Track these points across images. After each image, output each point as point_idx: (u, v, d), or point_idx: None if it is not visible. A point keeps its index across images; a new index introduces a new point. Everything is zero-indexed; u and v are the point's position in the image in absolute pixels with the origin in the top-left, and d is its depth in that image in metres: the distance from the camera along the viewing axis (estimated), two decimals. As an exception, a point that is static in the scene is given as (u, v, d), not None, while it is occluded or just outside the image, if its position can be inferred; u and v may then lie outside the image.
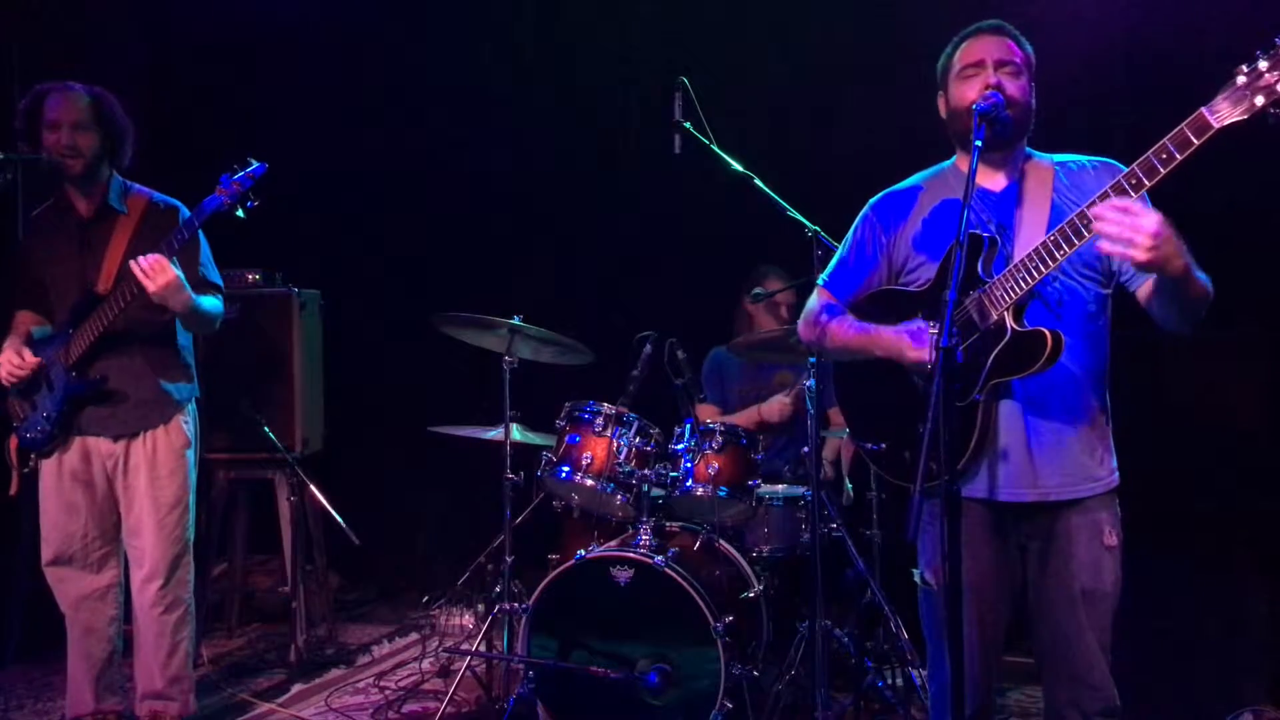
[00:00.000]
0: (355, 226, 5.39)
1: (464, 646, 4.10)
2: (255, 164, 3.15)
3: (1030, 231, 2.29)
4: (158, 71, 5.32)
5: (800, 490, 3.86)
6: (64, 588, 3.39)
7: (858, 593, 3.85)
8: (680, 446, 3.65)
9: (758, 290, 4.41)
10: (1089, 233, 2.07)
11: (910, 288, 2.45)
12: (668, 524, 3.74)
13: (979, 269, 2.27)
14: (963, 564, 2.19)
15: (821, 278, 2.63)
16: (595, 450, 3.60)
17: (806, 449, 3.45)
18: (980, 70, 2.33)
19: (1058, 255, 2.14)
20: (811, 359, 3.31)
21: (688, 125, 2.97)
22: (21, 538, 4.34)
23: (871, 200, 2.55)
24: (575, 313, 4.43)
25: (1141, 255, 1.99)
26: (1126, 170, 2.05)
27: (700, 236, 4.93)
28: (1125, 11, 4.09)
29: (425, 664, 4.24)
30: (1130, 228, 1.99)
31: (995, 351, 2.24)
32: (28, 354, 3.32)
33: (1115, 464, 2.39)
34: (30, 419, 3.35)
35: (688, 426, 3.67)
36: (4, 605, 4.44)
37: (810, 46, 4.73)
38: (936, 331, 2.12)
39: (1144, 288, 2.28)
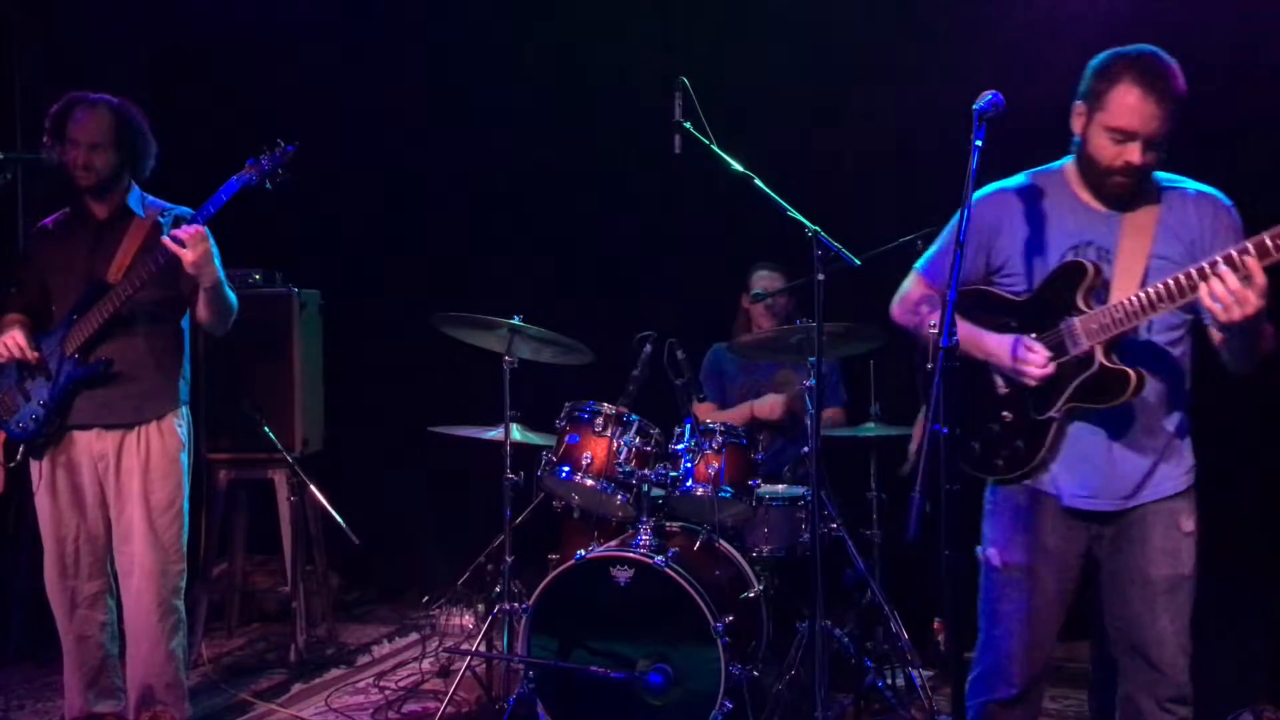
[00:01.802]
0: (355, 226, 5.39)
1: (464, 646, 4.10)
2: (286, 145, 3.21)
3: (1129, 260, 2.33)
4: (158, 71, 5.31)
5: (800, 490, 3.86)
6: (58, 594, 3.38)
7: (858, 593, 3.85)
8: (680, 446, 3.64)
9: (757, 290, 4.42)
10: (1196, 292, 2.14)
11: (1007, 292, 2.50)
12: (668, 524, 3.74)
13: (1078, 297, 2.32)
14: (1025, 548, 2.40)
15: (919, 264, 2.67)
16: (595, 450, 3.60)
17: (806, 449, 3.45)
18: (1128, 140, 2.28)
19: (1161, 307, 2.21)
20: (811, 359, 3.30)
21: (688, 125, 2.97)
22: (21, 538, 4.34)
23: (978, 193, 2.52)
24: (575, 313, 4.42)
25: (1235, 317, 2.09)
26: (1250, 242, 2.10)
27: (700, 236, 4.93)
28: (1126, 11, 4.09)
29: (425, 664, 4.24)
30: (1238, 302, 2.08)
31: (1079, 380, 2.33)
32: (32, 343, 3.30)
33: (1193, 463, 2.45)
34: (22, 410, 3.32)
35: (688, 426, 3.67)
36: (4, 605, 4.44)
37: (810, 46, 4.73)
38: (937, 330, 2.13)
39: (1217, 333, 2.33)
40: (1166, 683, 2.39)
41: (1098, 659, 3.42)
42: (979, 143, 2.20)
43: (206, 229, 3.18)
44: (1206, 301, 2.10)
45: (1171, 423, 2.41)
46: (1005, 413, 2.46)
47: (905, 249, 3.74)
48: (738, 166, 3.02)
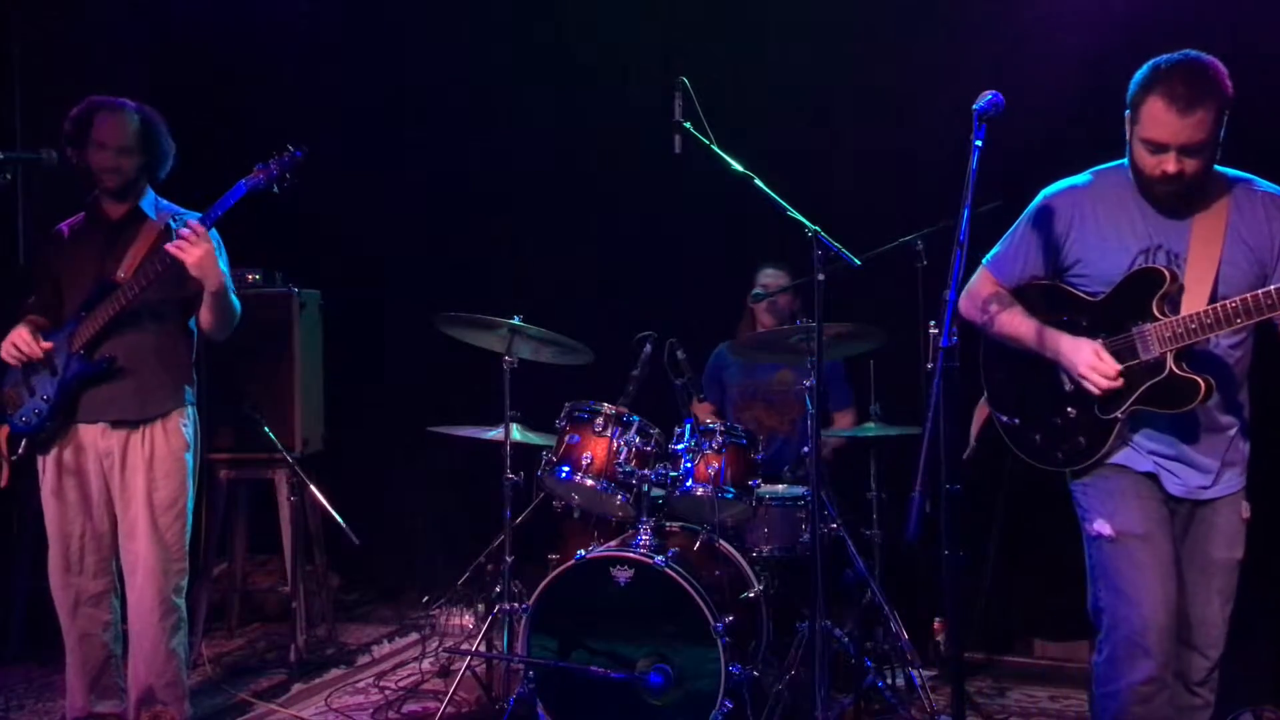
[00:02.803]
0: (355, 226, 5.39)
1: (464, 646, 4.10)
2: (295, 150, 3.23)
3: (1199, 268, 2.36)
4: (158, 71, 5.32)
5: (800, 490, 3.86)
6: (62, 592, 3.38)
7: (858, 593, 3.85)
8: (680, 446, 3.64)
9: (757, 290, 4.42)
10: (1273, 310, 2.20)
11: (1081, 291, 2.52)
12: (668, 524, 3.74)
13: (1153, 304, 2.36)
14: (1136, 515, 2.45)
15: (987, 258, 2.69)
16: (595, 450, 3.60)
17: (806, 449, 3.45)
18: (1163, 151, 2.30)
19: (1236, 322, 2.25)
20: (810, 359, 3.30)
21: (688, 125, 2.97)
22: (22, 538, 4.35)
23: (1046, 191, 2.57)
24: (575, 313, 4.42)
25: None
26: None
27: (700, 236, 4.93)
28: (1126, 10, 4.09)
29: (425, 664, 4.24)
30: None
31: (1149, 384, 2.38)
32: (40, 338, 3.31)
33: (1246, 465, 2.54)
34: (27, 405, 3.33)
35: (688, 426, 3.67)
36: (4, 605, 4.44)
37: (810, 46, 4.72)
38: (937, 330, 2.15)
39: None
40: (1200, 664, 2.49)
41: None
42: (979, 143, 2.20)
43: (213, 231, 3.19)
44: None
45: (1234, 426, 2.50)
46: (1070, 409, 2.51)
47: (905, 249, 3.75)
48: (738, 166, 3.02)
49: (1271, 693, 3.49)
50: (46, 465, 3.36)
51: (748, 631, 3.51)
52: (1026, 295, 2.60)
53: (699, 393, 4.35)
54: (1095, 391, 2.41)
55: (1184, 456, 2.46)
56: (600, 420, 3.63)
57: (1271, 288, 2.21)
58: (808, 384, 3.35)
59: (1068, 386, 2.51)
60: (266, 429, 4.22)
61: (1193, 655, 2.51)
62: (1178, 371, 2.33)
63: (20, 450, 3.34)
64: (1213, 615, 2.50)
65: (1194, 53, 2.33)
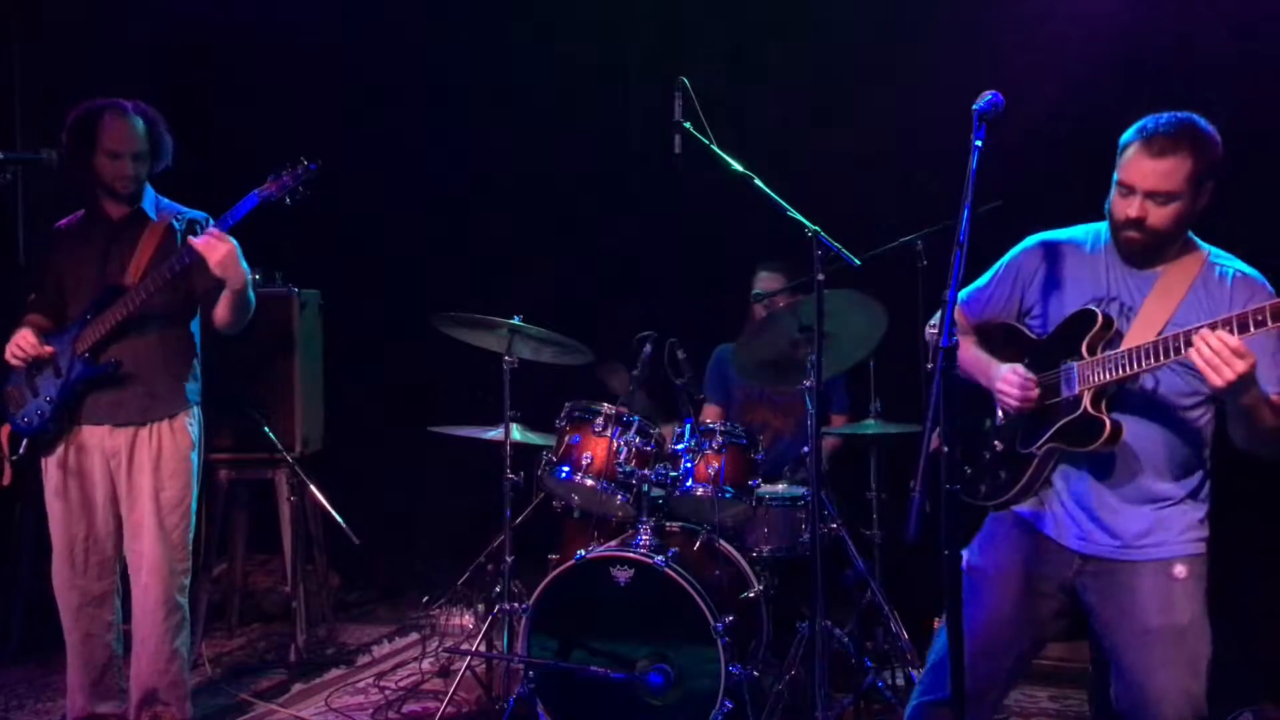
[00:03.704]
0: (355, 226, 5.39)
1: (464, 646, 4.10)
2: (308, 163, 3.24)
3: (1148, 322, 2.34)
4: (157, 71, 5.31)
5: (800, 490, 3.86)
6: (66, 593, 3.38)
7: (858, 593, 3.85)
8: (680, 446, 3.64)
9: (757, 290, 4.42)
10: (1185, 352, 2.14)
11: (1030, 332, 2.55)
12: (668, 524, 3.74)
13: (1083, 344, 2.35)
14: (996, 558, 2.45)
15: (961, 295, 2.65)
16: (595, 450, 3.60)
17: (806, 449, 3.45)
18: (1131, 194, 2.31)
19: (1151, 362, 2.22)
20: (811, 358, 3.30)
21: (688, 125, 2.97)
22: (22, 537, 4.35)
23: (1028, 240, 2.60)
24: (575, 313, 4.42)
25: (1219, 384, 2.09)
26: (1252, 309, 2.10)
27: (700, 236, 4.92)
28: (1126, 11, 4.09)
29: (425, 664, 4.24)
30: (1225, 361, 2.08)
31: (1062, 421, 2.36)
32: (43, 340, 3.31)
33: (1202, 534, 2.39)
34: (29, 405, 3.33)
35: (688, 426, 3.67)
36: (4, 605, 4.44)
37: (810, 46, 4.73)
38: (937, 331, 2.14)
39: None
40: None
41: (1098, 659, 3.43)
42: (979, 143, 2.20)
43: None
44: (1197, 362, 2.11)
45: (1172, 489, 2.38)
46: (997, 442, 2.53)
47: (905, 249, 3.75)
48: (738, 166, 3.02)
49: (1271, 693, 3.49)
50: (49, 466, 3.36)
51: (748, 631, 3.51)
52: (986, 332, 2.63)
53: (699, 393, 4.35)
54: (1011, 403, 2.41)
55: (1099, 511, 2.39)
56: (600, 420, 3.63)
57: (1178, 332, 2.16)
58: (807, 384, 3.35)
59: (1000, 419, 2.53)
60: (266, 429, 4.22)
61: None
62: (1090, 411, 2.31)
63: (21, 450, 3.34)
64: (1160, 692, 2.29)
65: (1191, 114, 2.33)
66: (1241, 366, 2.06)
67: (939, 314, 2.14)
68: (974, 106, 2.26)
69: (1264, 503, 3.84)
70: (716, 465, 3.57)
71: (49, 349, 3.30)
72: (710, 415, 4.52)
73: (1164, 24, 3.99)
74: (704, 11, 4.93)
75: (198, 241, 3.16)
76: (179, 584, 3.38)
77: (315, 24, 5.33)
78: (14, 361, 3.30)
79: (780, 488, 3.91)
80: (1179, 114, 2.31)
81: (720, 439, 3.62)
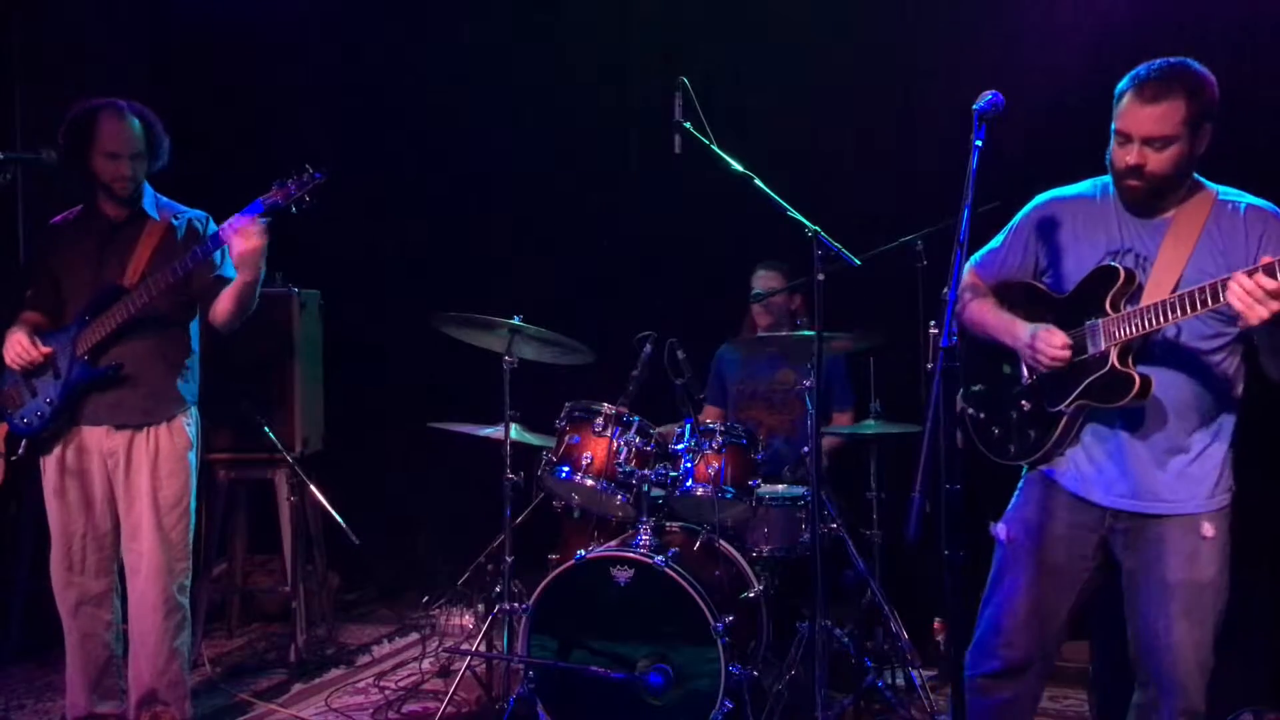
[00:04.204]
0: (355, 226, 5.38)
1: (464, 646, 4.10)
2: (314, 172, 3.22)
3: (1166, 271, 2.34)
4: (157, 72, 5.32)
5: (800, 490, 3.86)
6: (64, 592, 3.38)
7: (858, 593, 3.85)
8: (680, 446, 3.64)
9: (757, 290, 4.42)
10: (1221, 300, 2.12)
11: (1049, 290, 2.55)
12: (668, 524, 3.74)
13: (1107, 300, 2.35)
14: (1032, 528, 2.49)
15: (974, 258, 2.72)
16: (595, 450, 3.60)
17: (806, 449, 3.45)
18: (1129, 142, 2.33)
19: (1178, 316, 2.21)
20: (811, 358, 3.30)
21: (688, 125, 2.97)
22: (21, 538, 4.34)
23: (1037, 198, 2.61)
24: (575, 313, 4.42)
25: (1254, 320, 2.08)
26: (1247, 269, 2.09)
27: (700, 236, 4.92)
28: (1126, 12, 4.09)
29: (425, 664, 4.24)
30: (1259, 300, 2.07)
31: (1090, 378, 2.37)
32: (38, 342, 3.31)
33: (1229, 485, 2.43)
34: (28, 405, 3.33)
35: (688, 426, 3.67)
36: (4, 605, 4.44)
37: (810, 46, 4.73)
38: (937, 330, 2.15)
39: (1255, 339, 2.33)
40: (1179, 697, 2.35)
41: (1098, 659, 3.43)
42: (979, 143, 2.21)
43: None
44: (1232, 301, 2.09)
45: (1201, 437, 2.40)
46: (1025, 401, 2.53)
47: (905, 249, 3.75)
48: (738, 166, 3.02)
49: (1271, 693, 3.49)
50: (48, 466, 3.36)
51: (748, 631, 3.51)
52: (1004, 292, 2.64)
53: (699, 393, 4.35)
54: (1041, 365, 2.41)
55: (1130, 465, 2.40)
56: (600, 420, 3.63)
57: (1206, 284, 2.15)
58: (808, 384, 3.36)
59: (1026, 378, 2.53)
60: (266, 429, 4.22)
61: (1167, 686, 2.36)
62: (1119, 366, 2.32)
63: (20, 450, 3.34)
64: (1175, 641, 2.35)
65: (1183, 59, 2.33)
66: (1276, 305, 2.06)
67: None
68: (974, 106, 2.26)
69: (1264, 501, 3.84)
70: (716, 465, 3.57)
71: (45, 350, 3.29)
72: (710, 416, 4.52)
73: (1166, 24, 3.99)
74: (704, 11, 4.93)
75: (233, 223, 3.14)
76: (178, 583, 3.38)
77: (315, 24, 5.33)
78: (14, 365, 3.30)
79: (780, 488, 3.91)
80: (1171, 59, 2.32)
81: (720, 439, 3.62)
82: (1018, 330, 2.51)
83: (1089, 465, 2.46)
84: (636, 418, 3.65)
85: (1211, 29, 3.93)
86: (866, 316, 3.68)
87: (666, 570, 3.25)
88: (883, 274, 3.51)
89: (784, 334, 4.18)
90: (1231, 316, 2.19)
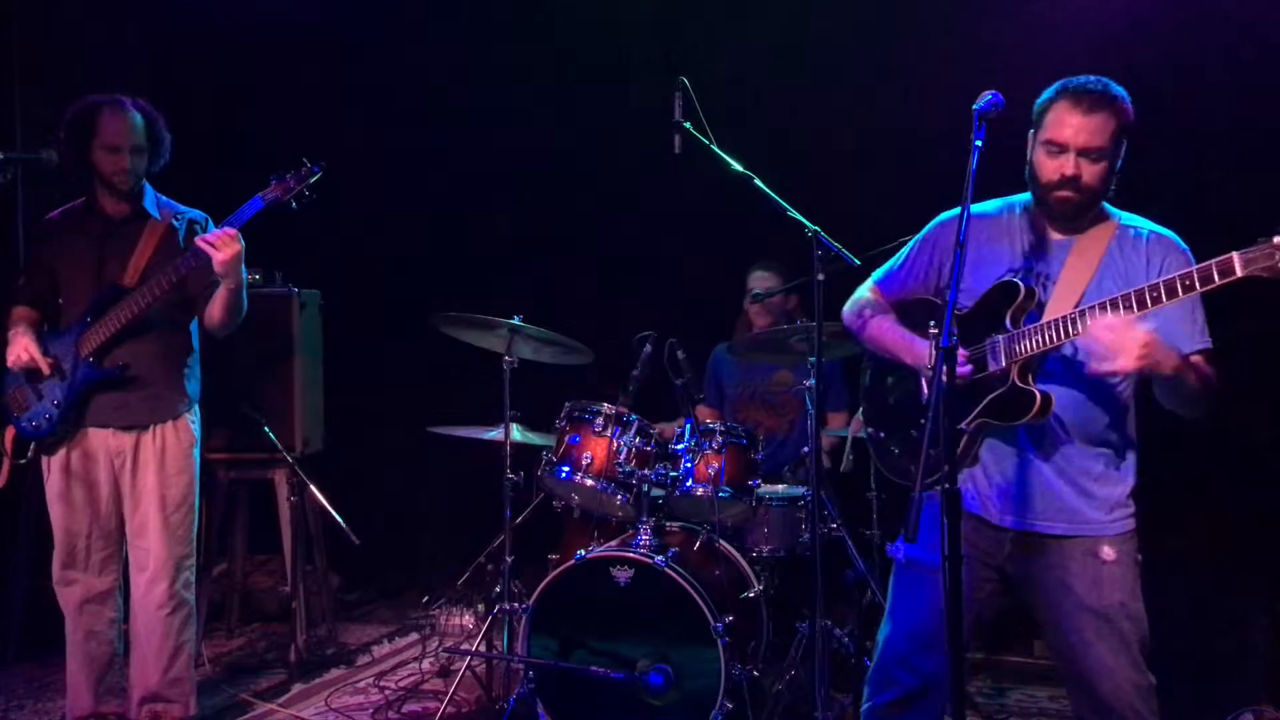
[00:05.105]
0: (355, 226, 5.39)
1: (464, 646, 4.10)
2: (312, 165, 3.23)
3: (1067, 290, 2.34)
4: (157, 72, 5.31)
5: (800, 490, 3.86)
6: (68, 591, 3.39)
7: (858, 593, 3.85)
8: (680, 446, 3.65)
9: (757, 291, 4.42)
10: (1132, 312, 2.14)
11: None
12: (668, 524, 3.74)
13: (1007, 317, 2.34)
14: (929, 548, 2.31)
15: (875, 275, 2.72)
16: (595, 450, 3.60)
17: (806, 449, 3.45)
18: (1062, 152, 2.32)
19: (1070, 334, 2.22)
20: (811, 359, 3.31)
21: (688, 125, 2.97)
22: (21, 537, 4.34)
23: (940, 216, 2.60)
24: (575, 313, 4.42)
25: (1128, 365, 2.12)
26: (1148, 285, 2.13)
27: (700, 236, 4.93)
28: (1126, 12, 4.09)
29: (425, 664, 4.24)
30: (1118, 342, 2.12)
31: (991, 396, 2.35)
32: (41, 349, 3.30)
33: (1129, 511, 2.39)
34: (35, 409, 3.33)
35: (688, 426, 3.67)
36: (4, 605, 4.44)
37: (811, 46, 4.73)
38: (937, 332, 2.15)
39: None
40: (1110, 718, 2.31)
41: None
42: (979, 143, 2.20)
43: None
44: (1092, 358, 2.15)
45: (1101, 458, 2.38)
46: (924, 420, 2.47)
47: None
48: (738, 166, 3.03)
49: (1271, 693, 3.49)
50: (52, 467, 3.36)
51: (747, 631, 3.51)
52: (906, 308, 2.62)
53: (699, 393, 4.35)
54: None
55: (1029, 485, 2.38)
56: (600, 420, 3.63)
57: (1094, 303, 2.17)
58: (807, 384, 3.36)
59: (924, 396, 2.49)
60: (266, 429, 4.22)
61: (1100, 709, 2.32)
62: (1019, 384, 2.30)
63: (29, 454, 3.34)
64: (1095, 664, 2.31)
65: (1099, 78, 2.36)
66: (1140, 336, 2.10)
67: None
68: (974, 106, 2.26)
69: (1262, 502, 3.85)
70: (716, 465, 3.57)
71: (49, 360, 3.29)
72: (706, 416, 4.52)
73: (1165, 23, 3.99)
74: (704, 11, 4.93)
75: (208, 236, 3.15)
76: (184, 579, 3.39)
77: (315, 24, 5.33)
78: (15, 368, 3.30)
79: (780, 488, 3.91)
80: (1093, 76, 2.34)
81: (720, 439, 3.62)
82: (917, 348, 2.48)
83: (988, 485, 2.42)
84: (636, 418, 3.65)
85: (1211, 26, 3.93)
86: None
87: (666, 570, 3.25)
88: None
89: (786, 330, 4.17)
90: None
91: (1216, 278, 2.03)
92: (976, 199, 2.20)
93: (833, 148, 4.69)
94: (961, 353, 2.33)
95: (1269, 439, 3.85)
